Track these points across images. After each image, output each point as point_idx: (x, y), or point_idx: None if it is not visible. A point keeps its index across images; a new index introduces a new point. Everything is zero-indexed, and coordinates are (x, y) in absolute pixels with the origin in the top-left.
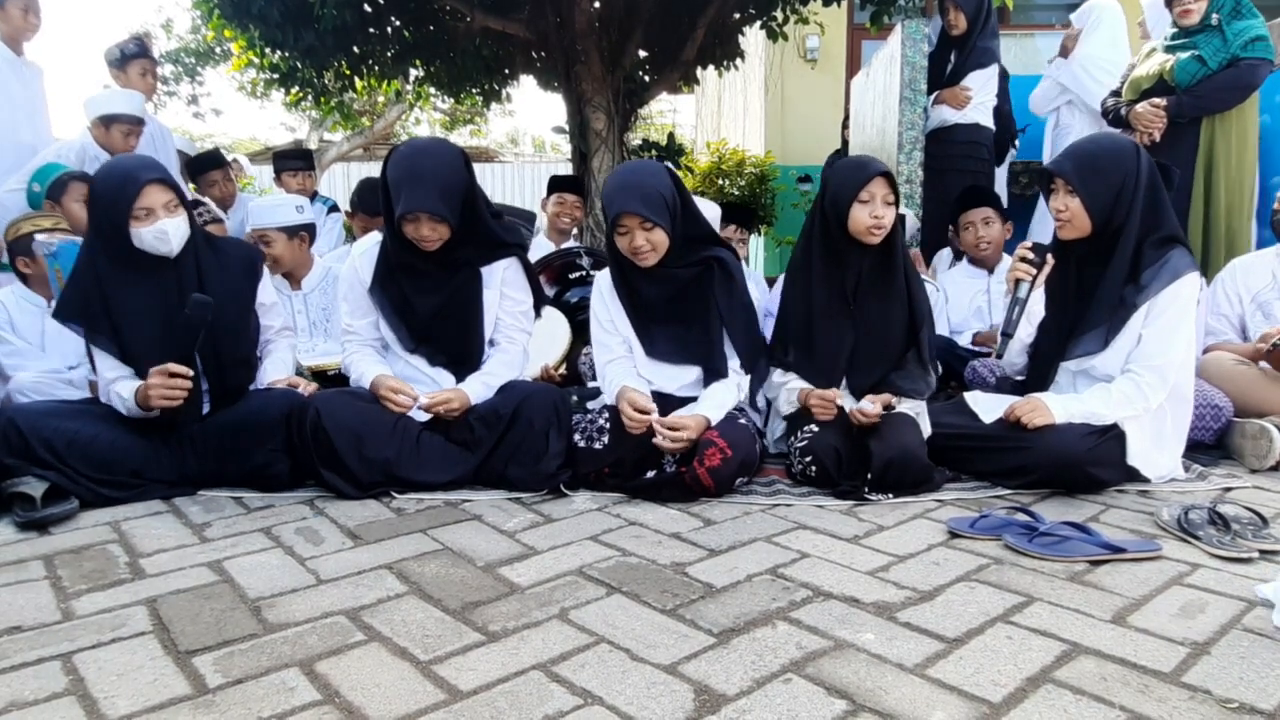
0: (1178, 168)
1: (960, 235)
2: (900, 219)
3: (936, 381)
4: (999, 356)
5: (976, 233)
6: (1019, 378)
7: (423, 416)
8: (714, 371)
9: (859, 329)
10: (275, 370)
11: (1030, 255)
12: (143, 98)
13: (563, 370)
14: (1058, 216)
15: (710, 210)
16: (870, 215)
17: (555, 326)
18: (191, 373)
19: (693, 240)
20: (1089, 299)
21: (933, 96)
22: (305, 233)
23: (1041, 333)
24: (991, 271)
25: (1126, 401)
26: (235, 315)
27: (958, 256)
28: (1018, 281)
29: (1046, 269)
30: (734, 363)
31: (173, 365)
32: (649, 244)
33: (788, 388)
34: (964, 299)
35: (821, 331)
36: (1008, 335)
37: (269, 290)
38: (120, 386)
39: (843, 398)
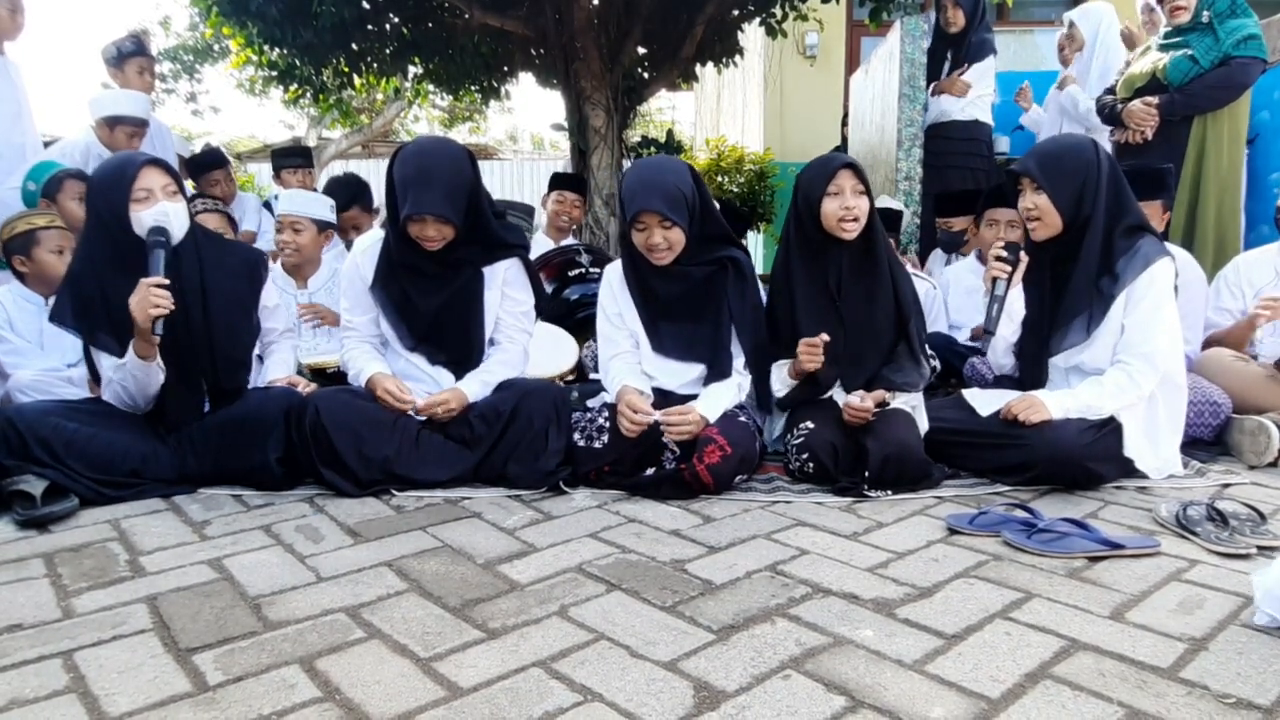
0: (1169, 164)
1: (981, 230)
2: (898, 214)
3: (932, 374)
4: (983, 354)
5: (999, 233)
6: (1013, 376)
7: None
8: (718, 371)
9: (845, 325)
10: (276, 369)
11: (1004, 254)
12: (148, 99)
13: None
14: (1028, 216)
15: None
16: (841, 207)
17: (562, 342)
18: (168, 282)
19: (708, 239)
20: (1065, 291)
21: (931, 87)
22: (331, 230)
23: (1026, 331)
24: None
25: (1119, 391)
26: (235, 316)
27: (945, 249)
28: (994, 280)
29: (1022, 266)
30: (738, 362)
31: (145, 280)
32: (666, 242)
33: (777, 364)
34: (968, 296)
35: (808, 331)
36: (990, 333)
37: (272, 293)
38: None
39: (836, 392)
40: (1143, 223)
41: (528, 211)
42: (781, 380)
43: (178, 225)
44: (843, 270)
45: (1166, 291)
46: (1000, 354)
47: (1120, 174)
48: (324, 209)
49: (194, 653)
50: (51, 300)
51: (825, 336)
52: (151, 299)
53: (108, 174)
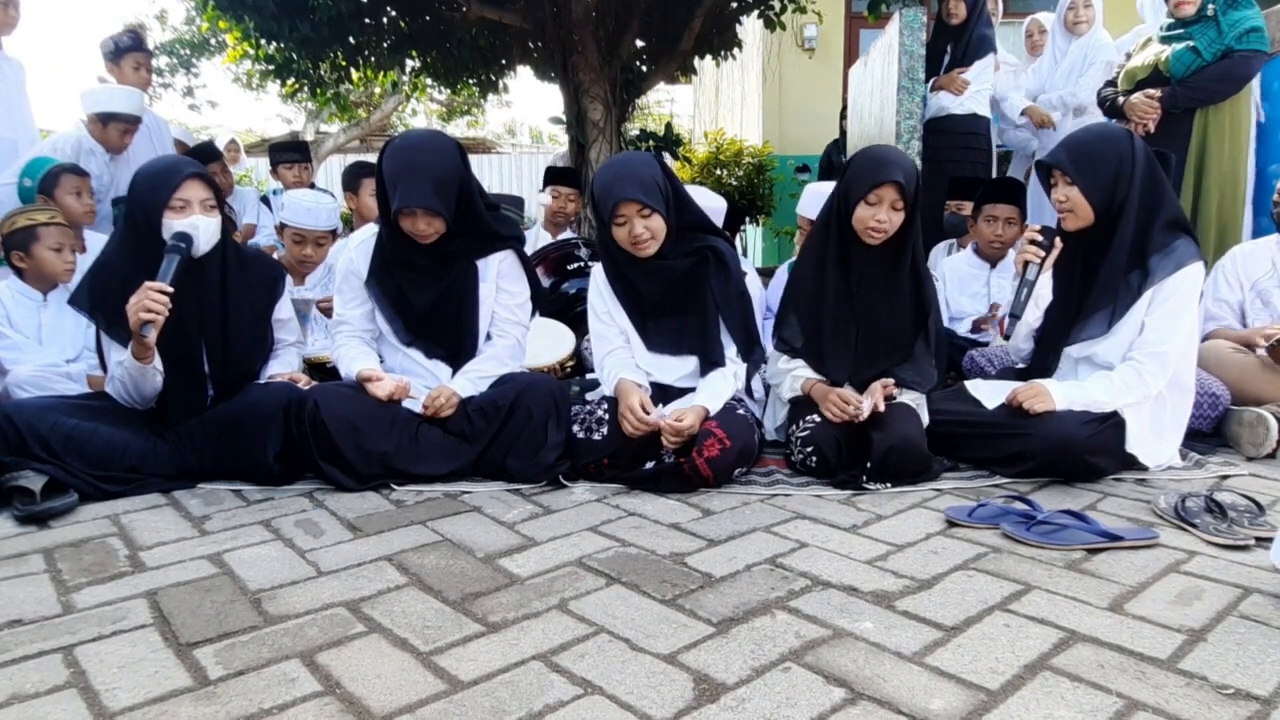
0: (1170, 151)
1: (979, 225)
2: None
3: (940, 377)
4: (1006, 338)
5: (996, 230)
6: (1021, 365)
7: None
8: (711, 362)
9: (860, 323)
10: (277, 366)
11: (1039, 238)
12: (143, 95)
13: (570, 363)
14: (1060, 208)
15: (714, 203)
16: (873, 219)
17: (559, 331)
18: (170, 290)
19: (686, 229)
20: (1093, 283)
21: (930, 83)
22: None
23: (1047, 317)
24: (994, 266)
25: (1127, 389)
26: (251, 330)
27: (953, 232)
28: (1026, 264)
29: (1055, 252)
30: (730, 351)
31: (148, 284)
32: (648, 231)
33: (793, 374)
34: (964, 289)
35: (829, 321)
36: (1015, 317)
37: (285, 306)
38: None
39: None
40: (1180, 218)
41: (517, 203)
42: (790, 389)
43: (205, 238)
44: (864, 271)
45: (1192, 296)
46: (1021, 339)
47: (1156, 165)
48: (337, 216)
49: (194, 647)
50: (50, 296)
51: (857, 402)
52: (146, 303)
53: (151, 176)
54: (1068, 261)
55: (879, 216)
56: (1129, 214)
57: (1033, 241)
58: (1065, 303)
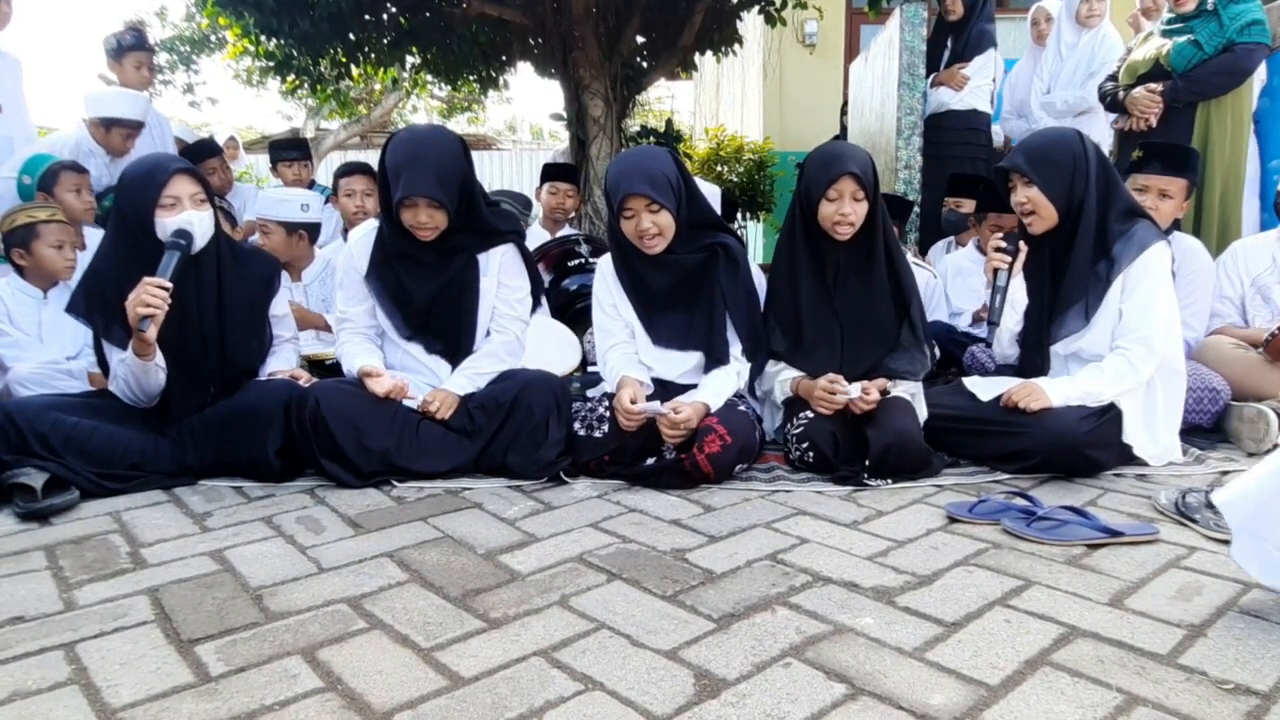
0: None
1: (982, 228)
2: (909, 204)
3: (933, 362)
4: (989, 345)
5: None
6: (1015, 365)
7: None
8: (716, 359)
9: (843, 318)
10: (277, 363)
11: (1003, 244)
12: (147, 101)
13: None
14: (1022, 210)
15: (710, 193)
16: (837, 212)
17: (566, 343)
18: (170, 285)
19: (697, 225)
20: (1062, 280)
21: (930, 79)
22: (305, 231)
23: (1027, 320)
24: None
25: (1119, 376)
26: (249, 325)
27: (952, 229)
28: (995, 270)
29: (1021, 256)
30: (735, 349)
31: (147, 279)
32: (656, 227)
33: (780, 379)
34: (967, 284)
35: (810, 321)
36: (993, 324)
37: (282, 301)
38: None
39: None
40: (1136, 207)
41: (524, 202)
42: (782, 391)
43: (201, 233)
44: (839, 265)
45: (1163, 276)
46: (1005, 345)
47: (1107, 160)
48: (293, 210)
49: (196, 644)
50: (50, 294)
51: (840, 385)
52: (144, 298)
53: (139, 175)
54: (1036, 263)
55: (843, 210)
56: (1089, 208)
57: (998, 248)
58: (1039, 303)
